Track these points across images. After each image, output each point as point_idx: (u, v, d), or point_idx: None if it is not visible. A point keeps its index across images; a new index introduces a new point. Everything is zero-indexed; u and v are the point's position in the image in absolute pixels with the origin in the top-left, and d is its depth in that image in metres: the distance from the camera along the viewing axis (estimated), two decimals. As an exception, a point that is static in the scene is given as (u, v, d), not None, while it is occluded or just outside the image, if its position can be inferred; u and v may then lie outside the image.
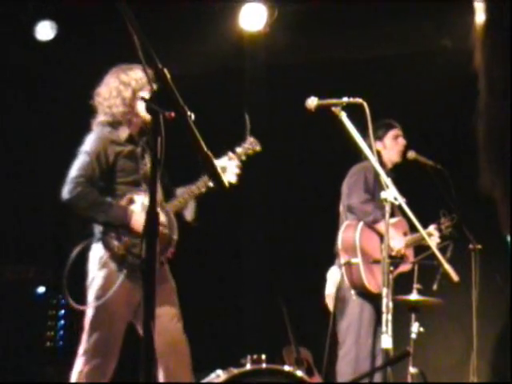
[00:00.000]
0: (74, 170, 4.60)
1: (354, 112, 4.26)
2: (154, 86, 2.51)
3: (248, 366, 3.89)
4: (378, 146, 6.00)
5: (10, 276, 6.53)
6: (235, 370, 3.91)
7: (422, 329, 5.25)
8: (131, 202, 4.67)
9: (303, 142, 7.31)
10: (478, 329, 5.69)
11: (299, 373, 3.90)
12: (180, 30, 6.71)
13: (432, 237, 5.90)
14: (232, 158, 4.93)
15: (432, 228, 6.02)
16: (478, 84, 1.19)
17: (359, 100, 4.23)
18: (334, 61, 7.39)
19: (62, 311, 6.64)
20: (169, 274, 4.84)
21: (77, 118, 7.29)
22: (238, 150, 4.97)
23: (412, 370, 5.21)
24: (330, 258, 5.99)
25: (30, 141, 7.13)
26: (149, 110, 2.49)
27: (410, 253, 5.98)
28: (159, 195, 4.71)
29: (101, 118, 4.80)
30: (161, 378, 4.58)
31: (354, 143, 4.22)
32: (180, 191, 4.91)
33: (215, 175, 2.52)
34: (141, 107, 4.68)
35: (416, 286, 5.30)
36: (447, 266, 4.16)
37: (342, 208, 6.10)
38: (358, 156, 5.88)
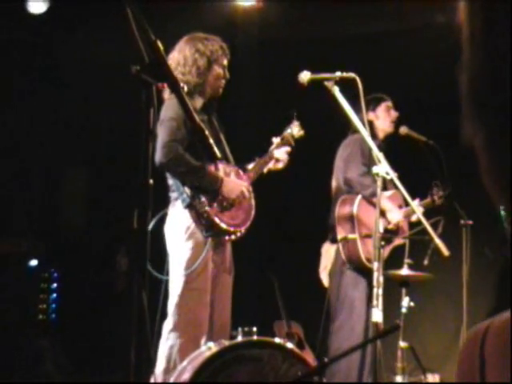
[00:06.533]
0: (165, 135, 4.49)
1: (346, 87, 4.27)
2: (146, 58, 2.51)
3: (239, 338, 3.90)
4: (370, 116, 5.99)
5: (3, 249, 6.53)
6: (226, 342, 3.93)
7: (412, 303, 5.28)
8: (216, 168, 4.65)
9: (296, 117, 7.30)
10: (468, 304, 5.72)
11: (290, 345, 3.92)
12: (173, 5, 6.67)
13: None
14: (279, 145, 5.03)
15: (416, 202, 5.99)
16: (462, 36, 1.20)
17: (352, 75, 4.23)
18: (327, 36, 7.37)
19: (54, 284, 6.66)
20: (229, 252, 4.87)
21: (70, 91, 7.31)
22: (286, 133, 5.09)
23: (402, 344, 5.25)
24: (324, 232, 6.00)
25: (24, 114, 7.10)
26: (141, 81, 2.49)
27: (405, 225, 5.98)
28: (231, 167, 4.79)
29: None
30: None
31: (346, 118, 4.22)
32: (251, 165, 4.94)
33: (207, 146, 2.55)
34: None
35: (407, 260, 5.32)
36: (438, 241, 4.18)
37: (334, 183, 6.04)
38: (347, 130, 5.89)
